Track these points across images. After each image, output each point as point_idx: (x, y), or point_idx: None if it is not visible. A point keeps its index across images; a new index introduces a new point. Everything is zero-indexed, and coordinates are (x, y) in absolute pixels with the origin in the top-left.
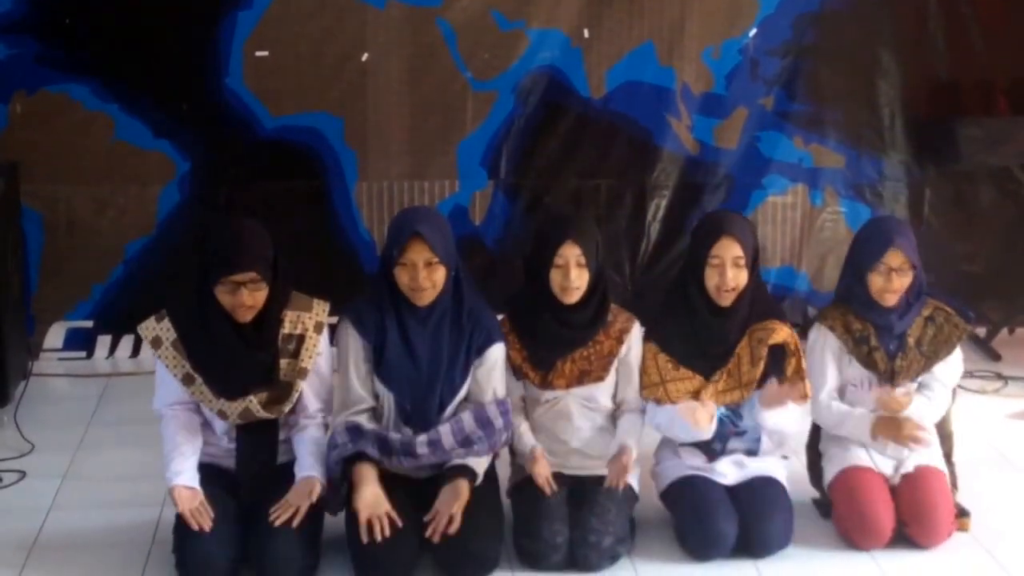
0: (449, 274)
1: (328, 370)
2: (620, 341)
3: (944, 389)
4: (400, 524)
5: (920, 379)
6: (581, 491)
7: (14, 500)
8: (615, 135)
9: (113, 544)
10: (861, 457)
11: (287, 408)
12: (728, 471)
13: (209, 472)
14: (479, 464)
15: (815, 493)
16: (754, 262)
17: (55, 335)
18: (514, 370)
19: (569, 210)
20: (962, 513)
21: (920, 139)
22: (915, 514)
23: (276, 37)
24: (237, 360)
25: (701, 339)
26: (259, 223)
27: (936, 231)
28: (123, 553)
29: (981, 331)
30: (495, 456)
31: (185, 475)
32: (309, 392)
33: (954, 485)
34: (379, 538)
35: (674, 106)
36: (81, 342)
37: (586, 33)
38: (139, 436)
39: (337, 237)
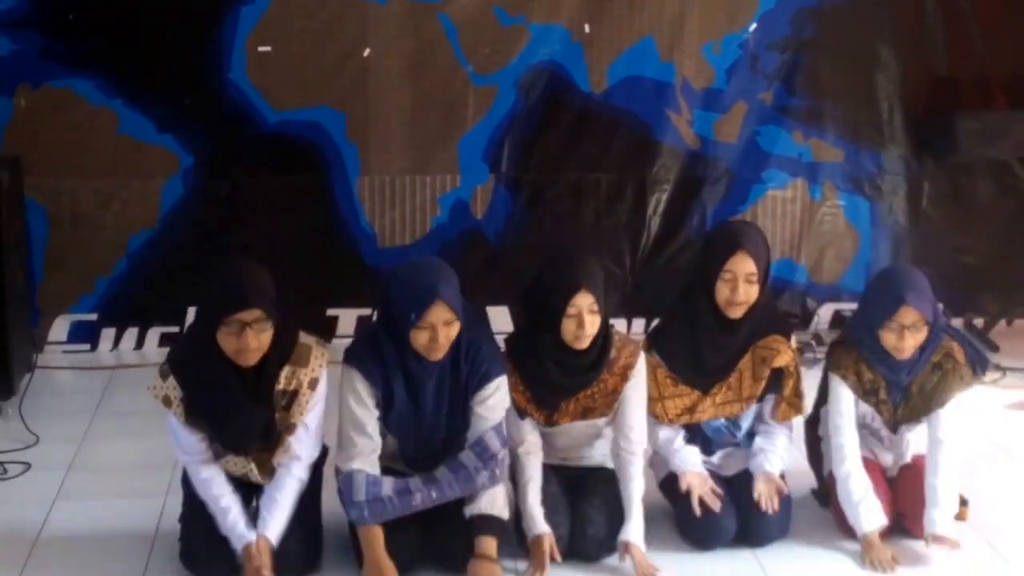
0: (461, 328)
1: (320, 417)
2: (625, 378)
3: (954, 443)
4: None
5: (927, 420)
6: (579, 479)
7: (19, 491)
8: (616, 130)
9: (118, 534)
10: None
11: (275, 461)
12: (726, 463)
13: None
14: (497, 505)
15: (814, 483)
16: (765, 276)
17: (59, 328)
18: (518, 411)
19: (575, 253)
20: (960, 502)
21: (919, 133)
22: (913, 506)
23: (279, 32)
24: (237, 415)
25: (704, 352)
26: (261, 264)
27: (934, 224)
28: (127, 543)
29: (979, 322)
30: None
31: (251, 534)
32: (295, 440)
33: (963, 517)
34: None
35: (674, 101)
36: (85, 335)
37: (587, 28)
38: (143, 428)
39: (339, 231)
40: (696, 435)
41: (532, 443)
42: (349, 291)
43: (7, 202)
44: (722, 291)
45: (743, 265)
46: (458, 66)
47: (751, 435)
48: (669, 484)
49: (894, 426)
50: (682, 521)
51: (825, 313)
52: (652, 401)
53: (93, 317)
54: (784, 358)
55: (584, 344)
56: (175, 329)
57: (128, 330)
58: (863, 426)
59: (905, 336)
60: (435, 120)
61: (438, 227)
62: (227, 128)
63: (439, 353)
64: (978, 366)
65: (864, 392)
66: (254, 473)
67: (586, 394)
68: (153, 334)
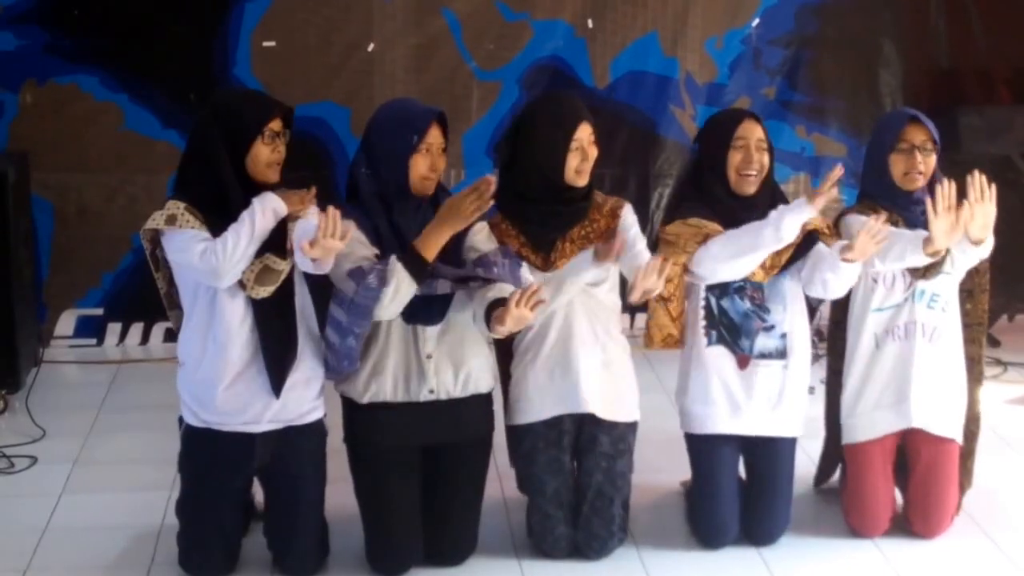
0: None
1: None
2: (615, 216)
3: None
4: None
5: (948, 269)
6: (583, 468)
7: (26, 485)
8: (619, 125)
9: (123, 528)
10: (878, 430)
11: (280, 281)
12: (760, 416)
13: (219, 443)
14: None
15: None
16: (770, 150)
17: (66, 322)
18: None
19: (562, 93)
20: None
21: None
22: (922, 513)
23: (283, 27)
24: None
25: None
26: None
27: None
28: (133, 537)
29: None
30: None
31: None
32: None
33: (969, 483)
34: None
35: (677, 96)
36: (91, 329)
37: (590, 23)
38: (149, 422)
39: None
40: (723, 322)
41: None
42: None
43: (13, 197)
44: (735, 159)
45: (754, 131)
46: (462, 62)
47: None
48: (692, 446)
49: (915, 268)
50: (692, 514)
51: (827, 309)
52: (695, 235)
53: (99, 312)
54: (814, 221)
55: (585, 180)
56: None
57: (134, 325)
58: (881, 298)
59: (916, 156)
60: None
61: None
62: None
63: (433, 183)
64: None
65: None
66: (270, 258)
67: (579, 233)
68: (158, 329)
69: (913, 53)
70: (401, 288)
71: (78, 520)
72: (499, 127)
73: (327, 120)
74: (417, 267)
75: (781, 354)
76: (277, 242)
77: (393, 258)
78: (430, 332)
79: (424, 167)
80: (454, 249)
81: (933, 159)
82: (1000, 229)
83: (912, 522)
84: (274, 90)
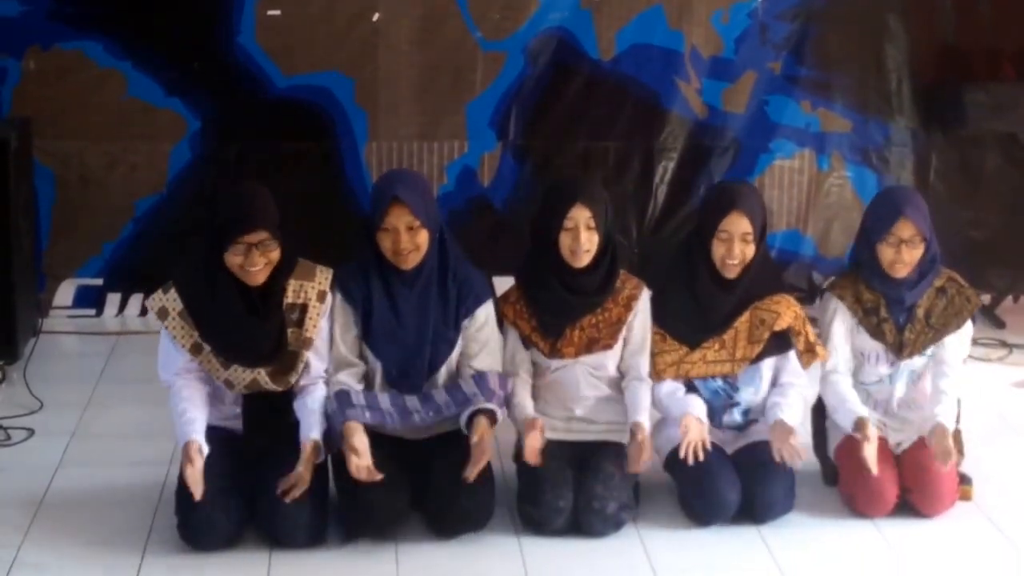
0: (432, 236)
1: (329, 335)
2: (629, 308)
3: (957, 371)
4: (379, 478)
5: (931, 352)
6: (585, 455)
7: (23, 457)
8: (624, 98)
9: (121, 501)
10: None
11: (294, 379)
12: (729, 438)
13: (215, 435)
14: (496, 408)
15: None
16: (762, 236)
17: (65, 292)
18: (523, 340)
19: (577, 173)
20: (964, 481)
21: (927, 105)
22: (918, 482)
23: None
24: (245, 329)
25: (700, 308)
26: (264, 187)
27: (942, 197)
28: (130, 510)
29: (986, 298)
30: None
31: (196, 434)
32: (314, 357)
33: (960, 452)
34: (363, 478)
35: (683, 69)
36: (91, 300)
37: None
38: (147, 394)
39: (347, 196)
40: (696, 392)
41: (525, 370)
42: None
43: (15, 164)
44: (718, 250)
45: (738, 224)
46: (467, 32)
47: (748, 409)
48: (673, 461)
49: (899, 349)
50: (685, 496)
51: None
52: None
53: (99, 282)
54: (786, 319)
55: (582, 261)
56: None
57: (134, 296)
58: (864, 373)
59: (902, 251)
60: (443, 86)
61: (445, 194)
62: (235, 92)
63: (408, 260)
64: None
65: (864, 312)
66: (263, 376)
67: (590, 322)
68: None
69: (919, 28)
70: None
71: (75, 492)
72: (504, 98)
73: (331, 90)
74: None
75: (750, 422)
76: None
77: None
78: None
79: (388, 244)
80: (456, 319)
81: (920, 251)
82: (1006, 208)
83: (911, 492)
84: (278, 59)
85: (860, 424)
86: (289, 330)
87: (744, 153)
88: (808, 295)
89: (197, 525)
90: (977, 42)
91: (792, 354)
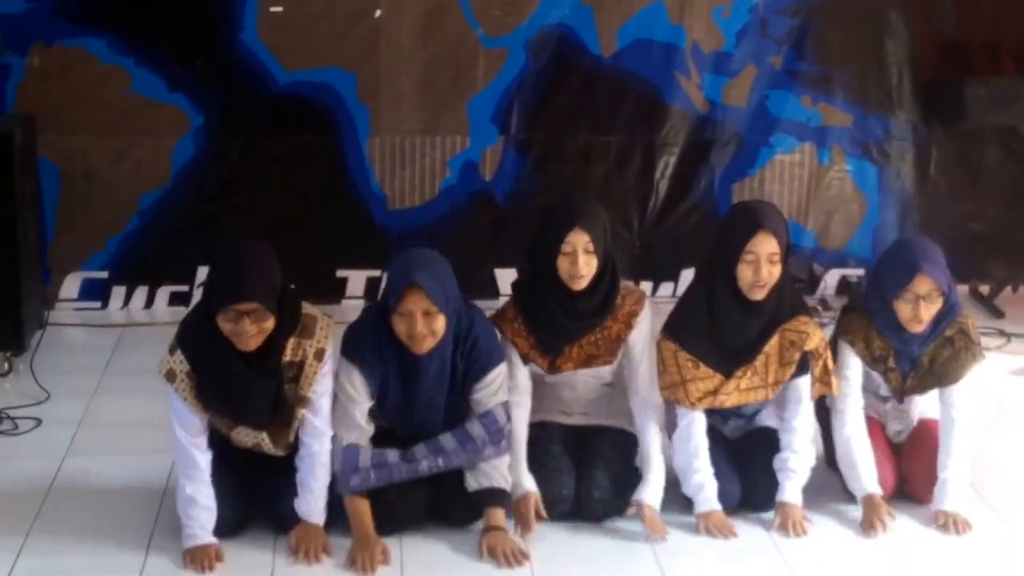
0: (450, 321)
1: (331, 389)
2: (629, 325)
3: (968, 423)
4: (389, 560)
5: (935, 392)
6: (585, 436)
7: (30, 447)
8: (625, 92)
9: (127, 491)
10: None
11: (292, 437)
12: (732, 425)
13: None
14: (501, 475)
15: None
16: (786, 255)
17: (71, 285)
18: (521, 356)
19: (576, 195)
20: None
21: (927, 99)
22: (916, 471)
23: None
24: (242, 387)
25: (726, 336)
26: (267, 248)
27: (942, 190)
28: (136, 500)
29: (985, 288)
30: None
31: (208, 536)
32: (314, 418)
33: None
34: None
35: (684, 64)
36: (96, 292)
37: None
38: (152, 386)
39: (349, 192)
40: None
41: (523, 391)
42: (359, 252)
43: (20, 160)
44: (744, 274)
45: (766, 245)
46: (469, 28)
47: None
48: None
49: (900, 396)
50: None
51: (831, 279)
52: (674, 386)
53: (104, 275)
54: (813, 340)
55: (580, 285)
56: (185, 288)
57: (138, 288)
58: (871, 393)
59: (920, 307)
60: (445, 81)
61: (447, 188)
62: (238, 88)
63: (421, 345)
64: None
65: (872, 359)
66: (266, 443)
67: (589, 340)
68: (163, 293)
69: (920, 23)
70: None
71: (82, 482)
72: (505, 94)
73: (334, 85)
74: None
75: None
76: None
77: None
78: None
79: (402, 328)
80: (463, 382)
81: (938, 305)
82: (1006, 201)
83: (909, 480)
84: (280, 55)
85: (868, 501)
86: (285, 386)
87: (745, 147)
88: (808, 286)
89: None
90: (977, 36)
91: (800, 383)
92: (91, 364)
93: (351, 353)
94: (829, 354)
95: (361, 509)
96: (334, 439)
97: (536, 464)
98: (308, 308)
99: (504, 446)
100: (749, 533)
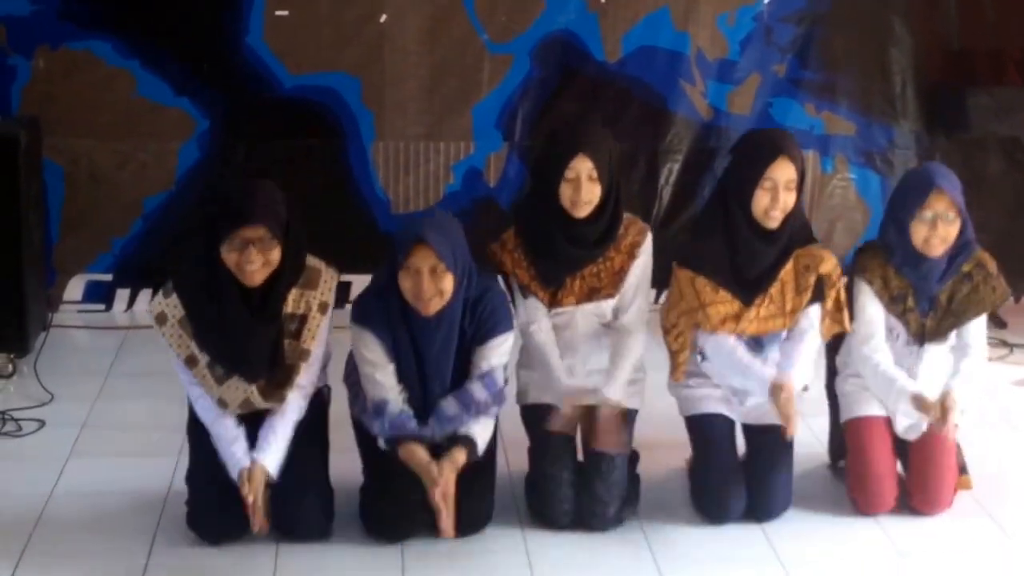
0: (459, 282)
1: (324, 344)
2: (632, 256)
3: (980, 353)
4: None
5: (953, 335)
6: (586, 426)
7: (33, 448)
8: (629, 99)
9: (130, 493)
10: (876, 408)
11: (288, 394)
12: (733, 410)
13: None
14: (481, 432)
15: (826, 457)
16: (801, 182)
17: (75, 287)
18: (522, 289)
19: (582, 120)
20: (961, 471)
21: (931, 108)
22: (921, 487)
23: None
24: (242, 334)
25: (743, 263)
26: (275, 184)
27: None
28: (140, 502)
29: None
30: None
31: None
32: (304, 369)
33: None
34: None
35: (688, 72)
36: (100, 295)
37: None
38: (156, 388)
39: (353, 196)
40: None
41: (537, 314)
42: (362, 256)
43: (25, 162)
44: (761, 200)
45: (784, 172)
46: (474, 34)
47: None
48: (692, 427)
49: (920, 338)
50: (694, 497)
51: None
52: (693, 311)
53: (108, 277)
54: (828, 264)
55: (582, 212)
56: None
57: (143, 291)
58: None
59: (937, 226)
60: (450, 87)
61: (451, 194)
62: (243, 92)
63: (428, 306)
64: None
65: (891, 299)
66: (255, 396)
67: (591, 271)
68: None
69: (924, 32)
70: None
71: (85, 484)
72: (510, 100)
73: (338, 90)
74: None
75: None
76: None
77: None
78: None
79: (408, 285)
80: (470, 345)
81: (956, 227)
82: (1009, 210)
83: (912, 496)
84: (286, 59)
85: (919, 401)
86: (286, 341)
87: None
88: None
89: (204, 515)
90: (981, 46)
91: (812, 311)
92: (95, 366)
93: (361, 318)
94: (843, 286)
95: (410, 448)
96: (363, 407)
97: (536, 475)
98: (311, 260)
99: (495, 410)
100: (749, 539)
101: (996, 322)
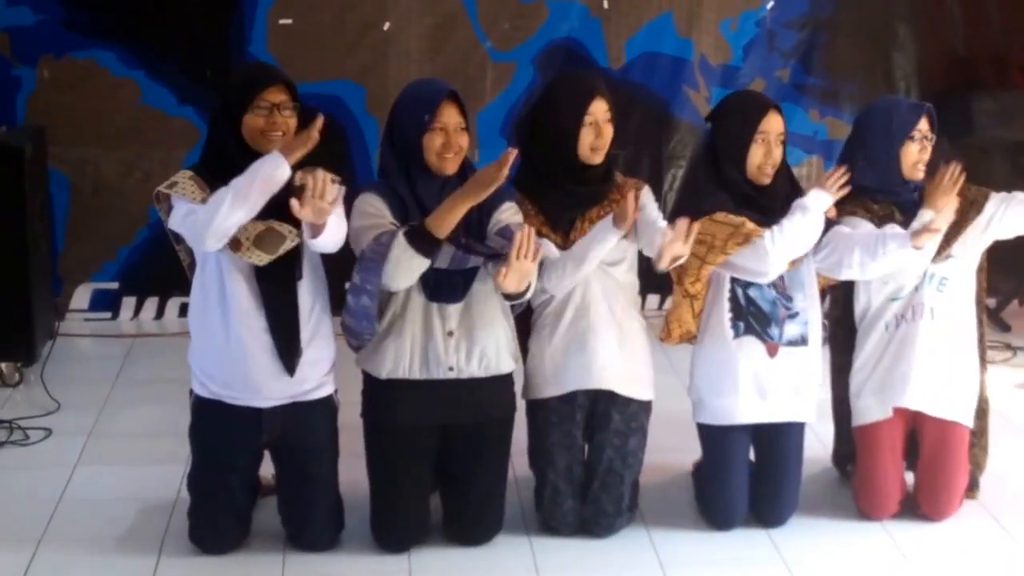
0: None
1: (341, 206)
2: (635, 198)
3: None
4: None
5: (956, 252)
6: (593, 429)
7: (40, 457)
8: (633, 106)
9: (137, 500)
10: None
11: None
12: (758, 407)
13: (227, 415)
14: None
15: (829, 462)
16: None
17: (81, 296)
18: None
19: (579, 70)
20: (971, 486)
21: (935, 113)
22: (931, 494)
23: (300, 5)
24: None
25: (749, 215)
26: None
27: None
28: (147, 510)
29: (991, 302)
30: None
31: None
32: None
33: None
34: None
35: (692, 77)
36: (106, 303)
37: (605, 4)
38: (163, 396)
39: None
40: (752, 311)
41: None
42: None
43: (30, 171)
44: (756, 154)
45: (775, 124)
46: (477, 42)
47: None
48: (703, 436)
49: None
50: (699, 500)
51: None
52: (717, 249)
53: (114, 286)
54: (831, 212)
55: (600, 157)
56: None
57: (148, 299)
58: (890, 285)
59: (925, 147)
60: None
61: None
62: None
63: (452, 163)
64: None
65: (879, 220)
66: (278, 223)
67: (598, 214)
68: (173, 304)
69: (927, 37)
70: (402, 259)
71: (92, 492)
72: (513, 108)
73: (342, 98)
74: (424, 242)
75: (804, 340)
76: (287, 211)
77: (400, 231)
78: (452, 309)
79: (438, 145)
80: (479, 224)
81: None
82: None
83: (921, 503)
84: (289, 68)
85: (913, 233)
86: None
87: None
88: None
89: (207, 528)
90: (985, 51)
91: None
92: (101, 375)
93: (368, 187)
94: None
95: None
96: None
97: (542, 483)
98: None
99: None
100: (755, 543)
101: (1000, 325)
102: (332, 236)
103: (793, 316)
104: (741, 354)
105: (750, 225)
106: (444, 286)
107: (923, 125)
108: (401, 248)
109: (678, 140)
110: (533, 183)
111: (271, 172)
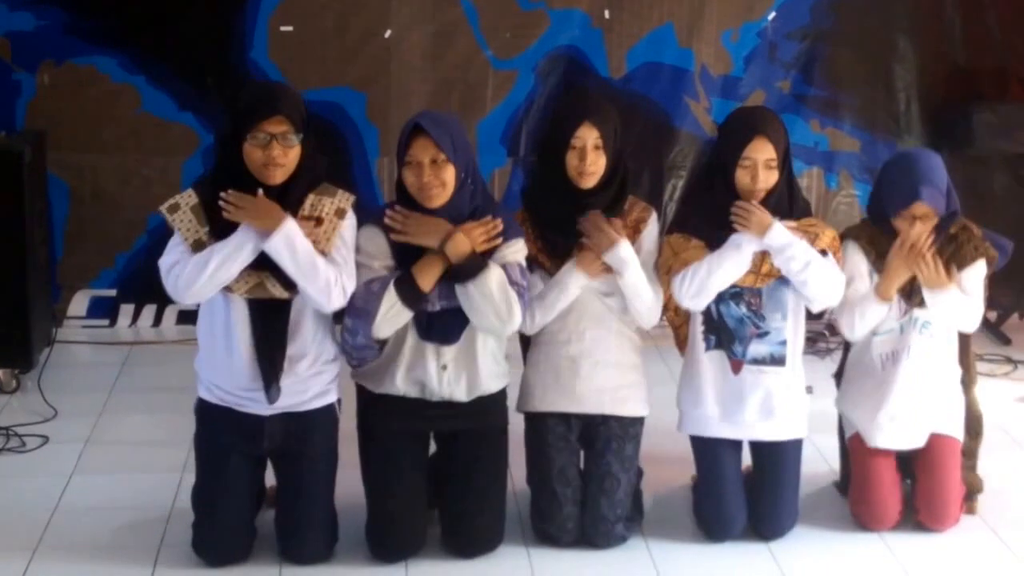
0: (459, 175)
1: (349, 251)
2: (637, 231)
3: (977, 301)
4: None
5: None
6: (591, 439)
7: (37, 464)
8: (634, 116)
9: (134, 508)
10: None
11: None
12: (753, 421)
13: (231, 421)
14: (497, 273)
15: (831, 474)
16: (785, 160)
17: (79, 303)
18: (528, 263)
19: (587, 90)
20: (968, 496)
21: (935, 124)
22: (928, 503)
23: (301, 12)
24: None
25: (728, 235)
26: (294, 89)
27: None
28: (144, 518)
29: (992, 315)
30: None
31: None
32: (331, 267)
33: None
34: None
35: (692, 88)
36: (104, 310)
37: (607, 14)
38: (160, 403)
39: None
40: (720, 326)
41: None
42: None
43: (30, 177)
44: (742, 179)
45: (762, 151)
46: (478, 50)
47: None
48: (695, 448)
49: (908, 296)
50: (697, 512)
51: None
52: (666, 263)
53: (112, 293)
54: (825, 239)
55: (588, 182)
56: (193, 307)
57: (146, 307)
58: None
59: (917, 225)
60: (454, 103)
61: None
62: None
63: (432, 197)
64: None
65: (877, 255)
66: (271, 280)
67: None
68: (171, 312)
69: (928, 49)
70: (389, 313)
71: (89, 500)
72: (514, 116)
73: (343, 106)
74: (411, 293)
75: (777, 361)
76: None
77: (391, 283)
78: (447, 348)
79: (411, 179)
80: (485, 256)
81: (935, 221)
82: (1012, 226)
83: (918, 511)
84: (290, 75)
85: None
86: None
87: None
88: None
89: (209, 542)
90: (986, 62)
91: None
92: (99, 382)
93: (366, 218)
94: (842, 257)
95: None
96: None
97: (540, 490)
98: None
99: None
100: (754, 555)
101: (1000, 338)
102: (319, 295)
103: (763, 335)
104: (709, 367)
105: (689, 253)
106: (436, 327)
107: (916, 210)
108: (391, 301)
109: (679, 151)
110: (536, 204)
111: (252, 249)
